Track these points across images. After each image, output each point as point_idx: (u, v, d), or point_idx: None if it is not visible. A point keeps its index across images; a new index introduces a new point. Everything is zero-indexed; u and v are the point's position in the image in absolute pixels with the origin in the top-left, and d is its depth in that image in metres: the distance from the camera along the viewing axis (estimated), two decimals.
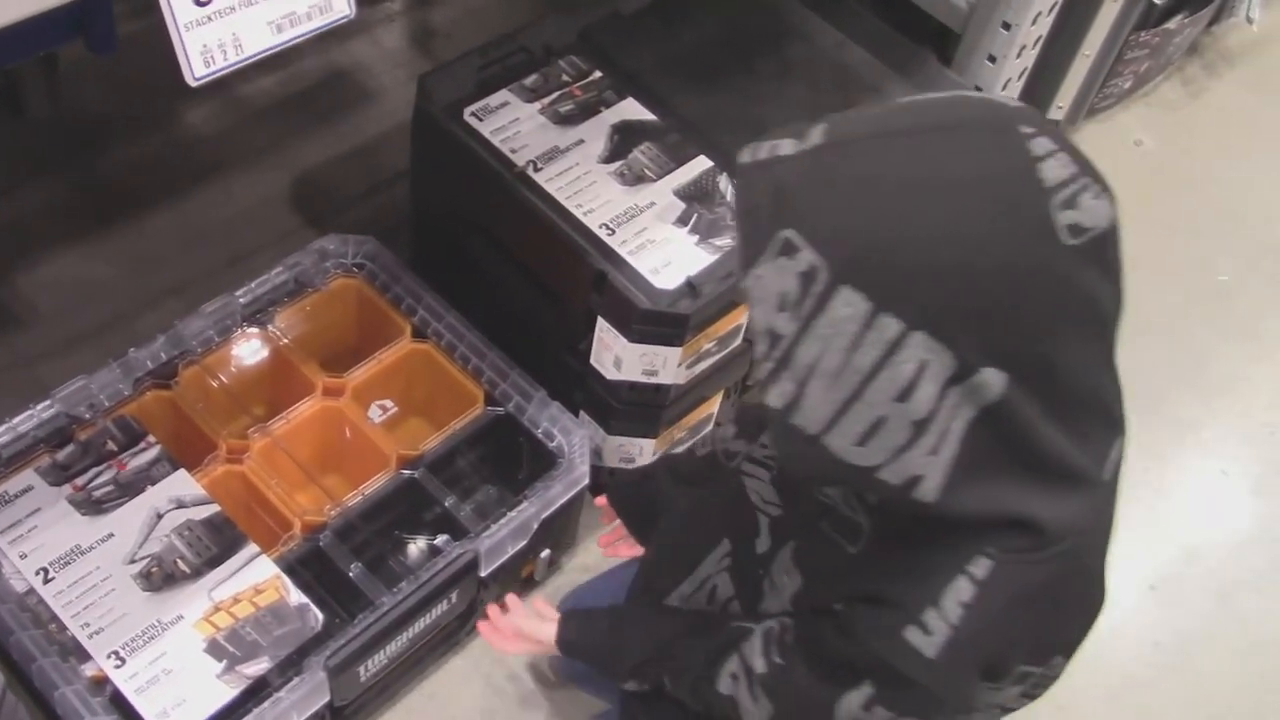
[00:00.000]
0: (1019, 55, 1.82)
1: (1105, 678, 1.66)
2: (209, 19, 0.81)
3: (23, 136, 1.92)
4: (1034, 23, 1.78)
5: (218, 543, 1.33)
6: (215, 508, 1.35)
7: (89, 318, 1.77)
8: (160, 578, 1.31)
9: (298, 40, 0.87)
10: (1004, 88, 1.86)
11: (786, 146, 0.79)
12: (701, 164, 1.55)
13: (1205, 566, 1.80)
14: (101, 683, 1.24)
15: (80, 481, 1.35)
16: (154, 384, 1.45)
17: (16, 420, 1.38)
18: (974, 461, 0.77)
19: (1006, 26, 1.79)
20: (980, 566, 0.81)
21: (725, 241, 1.47)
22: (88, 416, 1.41)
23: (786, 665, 0.95)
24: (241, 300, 1.53)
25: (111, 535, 1.32)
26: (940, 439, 0.76)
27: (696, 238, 1.48)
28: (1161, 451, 1.90)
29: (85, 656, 1.25)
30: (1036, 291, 0.74)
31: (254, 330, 1.52)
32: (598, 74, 1.63)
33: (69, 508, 1.33)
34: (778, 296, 0.77)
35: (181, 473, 1.37)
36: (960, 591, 0.82)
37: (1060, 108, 2.15)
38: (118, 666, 1.25)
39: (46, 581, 1.29)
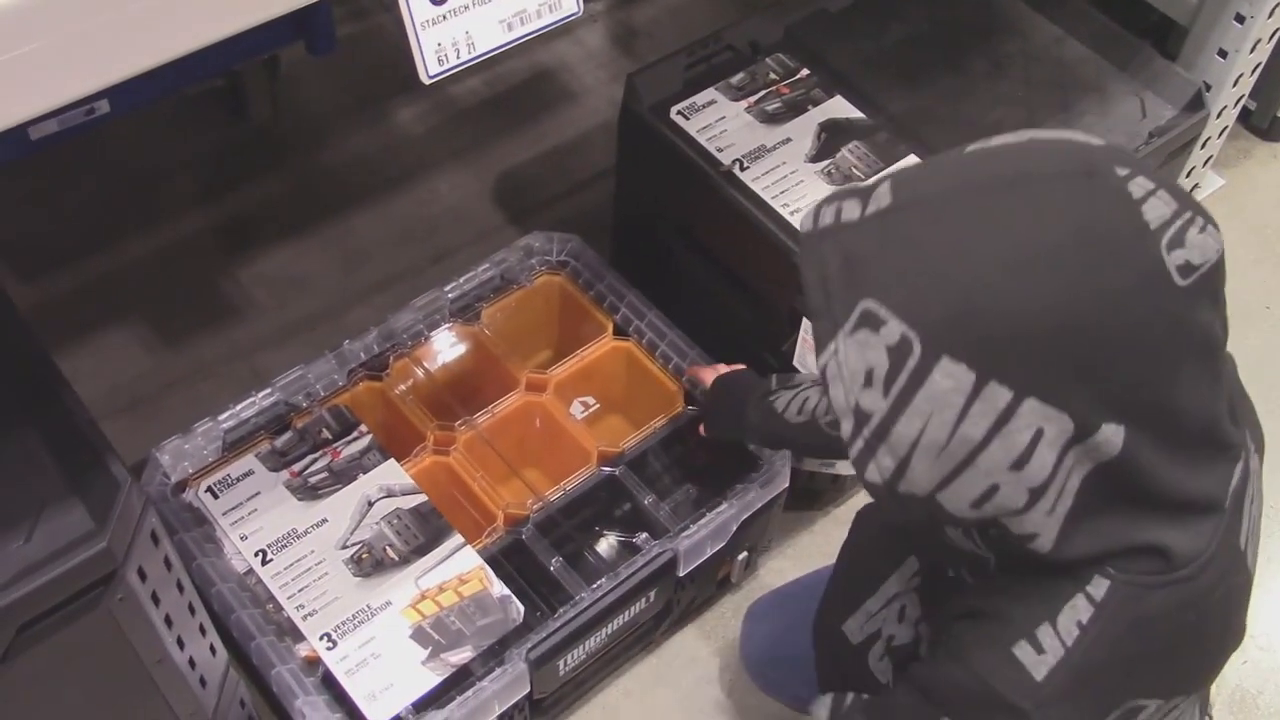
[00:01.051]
0: (1253, 50, 1.72)
1: None
2: (444, 18, 0.82)
3: (244, 135, 2.01)
4: (1271, 15, 1.67)
5: (425, 532, 1.36)
6: (423, 497, 1.38)
7: (302, 311, 1.83)
8: (370, 564, 1.34)
9: (527, 38, 0.87)
10: (1235, 84, 1.76)
11: (851, 210, 0.74)
12: (911, 163, 1.51)
13: None
14: (314, 663, 1.28)
15: (297, 468, 1.40)
16: (366, 375, 1.49)
17: (239, 406, 1.44)
18: (1090, 510, 0.73)
19: (1240, 19, 1.69)
20: (1099, 587, 0.77)
21: None
22: (305, 405, 1.45)
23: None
24: (450, 295, 1.56)
25: (325, 520, 1.36)
26: (1058, 498, 0.72)
27: None
28: None
29: (299, 637, 1.29)
30: (1153, 340, 0.69)
31: (461, 325, 1.55)
32: (805, 72, 1.61)
33: (286, 493, 1.38)
34: (863, 372, 0.72)
35: (391, 462, 1.41)
36: (1078, 610, 0.77)
37: None
38: (329, 648, 1.28)
39: (265, 563, 1.33)
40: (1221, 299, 0.74)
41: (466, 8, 0.84)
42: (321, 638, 1.29)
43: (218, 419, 1.43)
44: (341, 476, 1.40)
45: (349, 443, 1.42)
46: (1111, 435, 0.70)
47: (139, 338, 1.78)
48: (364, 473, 1.40)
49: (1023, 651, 0.78)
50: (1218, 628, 0.85)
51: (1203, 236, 0.71)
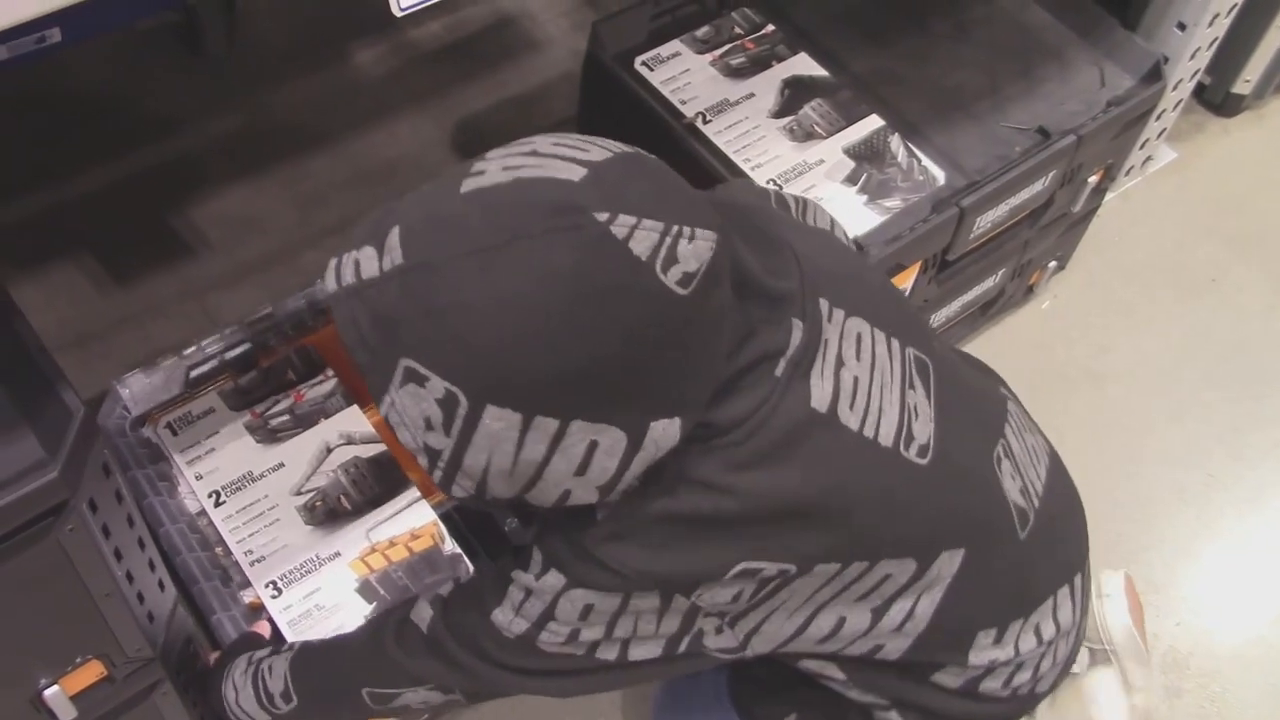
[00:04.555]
0: (1211, 24, 1.74)
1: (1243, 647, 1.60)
2: None
3: (200, 72, 1.97)
4: None
5: (381, 482, 1.35)
6: (382, 447, 1.37)
7: (255, 252, 1.81)
8: (323, 512, 1.33)
9: None
10: (1192, 57, 1.78)
11: (369, 263, 0.77)
12: (873, 123, 1.52)
13: None
14: (258, 610, 1.26)
15: (259, 408, 1.38)
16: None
17: (205, 343, 1.40)
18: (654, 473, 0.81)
19: None
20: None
21: (895, 203, 1.44)
22: (272, 344, 1.43)
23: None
24: None
25: (282, 465, 1.35)
26: (629, 486, 0.81)
27: (865, 198, 1.45)
28: None
29: (245, 583, 1.28)
30: (675, 347, 0.76)
31: None
32: (770, 27, 1.61)
33: (245, 434, 1.36)
34: (422, 420, 0.78)
35: (354, 408, 1.39)
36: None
37: (1248, 81, 2.06)
38: (274, 596, 1.27)
39: (218, 505, 1.32)
40: (725, 271, 0.78)
41: None
42: (267, 585, 1.28)
43: (182, 354, 1.39)
44: (303, 420, 1.38)
45: (314, 385, 1.40)
46: (665, 428, 0.78)
47: (88, 273, 1.75)
48: (326, 418, 1.38)
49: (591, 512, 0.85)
50: (799, 483, 0.85)
51: (693, 245, 0.75)
